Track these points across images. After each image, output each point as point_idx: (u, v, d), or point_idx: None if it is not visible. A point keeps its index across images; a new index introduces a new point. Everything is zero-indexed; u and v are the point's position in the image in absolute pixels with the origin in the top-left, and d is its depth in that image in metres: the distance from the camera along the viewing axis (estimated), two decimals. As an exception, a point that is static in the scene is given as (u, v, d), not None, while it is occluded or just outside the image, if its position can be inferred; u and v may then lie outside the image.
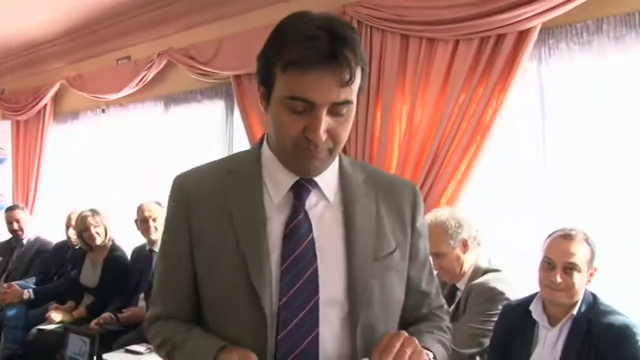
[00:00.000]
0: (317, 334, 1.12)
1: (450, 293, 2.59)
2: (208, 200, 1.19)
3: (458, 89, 2.89)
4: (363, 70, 1.09)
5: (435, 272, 1.38)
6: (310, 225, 1.16)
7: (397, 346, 1.06)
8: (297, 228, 1.15)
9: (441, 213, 2.62)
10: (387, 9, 3.10)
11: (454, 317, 2.46)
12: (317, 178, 1.18)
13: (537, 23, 2.66)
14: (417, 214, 1.27)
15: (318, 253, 1.14)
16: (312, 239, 1.15)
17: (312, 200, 1.18)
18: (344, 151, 3.34)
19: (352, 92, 1.07)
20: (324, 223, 1.17)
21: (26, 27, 4.98)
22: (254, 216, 1.16)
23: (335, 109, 1.06)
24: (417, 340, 1.09)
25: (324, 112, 1.05)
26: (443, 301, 1.38)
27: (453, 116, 2.91)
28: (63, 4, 4.35)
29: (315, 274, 1.13)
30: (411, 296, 1.27)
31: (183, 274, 1.20)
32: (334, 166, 1.21)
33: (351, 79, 1.04)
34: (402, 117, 3.14)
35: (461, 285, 2.54)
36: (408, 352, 1.05)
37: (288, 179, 1.17)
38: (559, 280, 2.06)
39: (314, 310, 1.12)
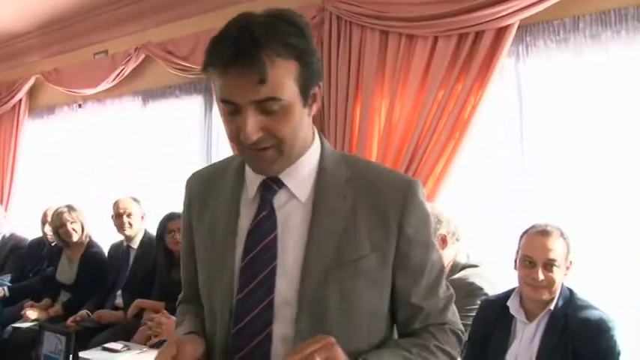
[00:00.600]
0: (269, 333, 1.12)
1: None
2: (205, 198, 1.26)
3: (437, 85, 2.90)
4: (303, 62, 1.06)
5: (444, 287, 1.24)
6: (274, 223, 1.15)
7: (309, 350, 1.00)
8: (259, 225, 1.15)
9: (419, 209, 2.62)
10: (367, 5, 3.11)
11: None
12: (285, 178, 1.15)
13: (515, 20, 2.69)
14: (405, 217, 1.14)
15: (280, 252, 1.13)
16: (275, 237, 1.14)
17: (281, 199, 1.16)
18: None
19: (279, 88, 1.03)
20: (290, 223, 1.15)
21: (1, 19, 4.89)
22: (229, 211, 1.19)
23: (264, 107, 1.04)
24: (337, 350, 1.02)
25: (250, 112, 1.04)
26: (450, 318, 1.24)
27: (431, 112, 2.92)
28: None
29: (272, 273, 1.13)
30: (401, 308, 1.20)
31: (190, 268, 1.30)
32: (311, 163, 1.17)
33: (265, 76, 1.01)
34: (382, 113, 3.15)
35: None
36: (319, 358, 0.99)
37: (257, 178, 1.18)
38: (541, 277, 2.08)
39: (268, 309, 1.12)
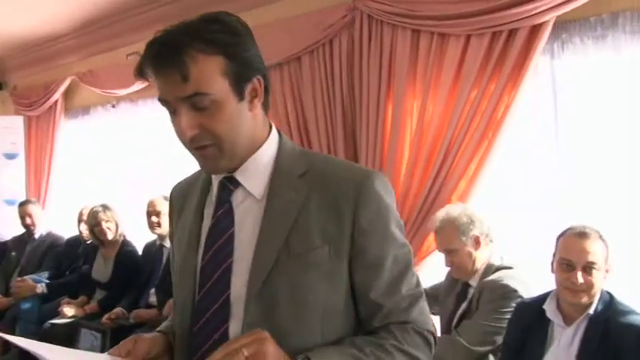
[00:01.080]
0: (226, 331, 1.13)
1: (462, 290, 2.58)
2: (182, 206, 1.30)
3: (469, 85, 2.86)
4: (231, 57, 1.08)
5: (410, 284, 1.17)
6: (232, 221, 1.17)
7: (237, 345, 0.99)
8: (217, 223, 1.18)
9: (452, 209, 2.61)
10: (398, 3, 3.08)
11: (466, 314, 2.46)
12: (239, 176, 1.17)
13: (550, 17, 2.63)
14: (359, 209, 1.12)
15: (236, 249, 1.15)
16: (232, 234, 1.16)
17: (238, 197, 1.18)
18: (354, 147, 3.32)
19: (204, 83, 1.06)
20: (246, 220, 1.16)
21: (37, 23, 4.99)
22: (195, 214, 1.24)
23: (194, 103, 1.07)
24: (267, 345, 1.00)
25: (182, 109, 1.08)
26: (416, 317, 1.17)
27: (464, 112, 2.88)
28: (64, 3, 4.35)
29: (228, 270, 1.14)
30: (361, 305, 1.17)
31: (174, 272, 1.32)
32: (266, 160, 1.18)
33: (187, 73, 1.04)
34: (414, 113, 3.12)
35: (473, 282, 2.52)
36: (247, 352, 0.97)
37: (216, 179, 1.21)
38: (580, 280, 2.03)
39: (225, 306, 1.13)
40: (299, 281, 1.11)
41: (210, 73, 1.07)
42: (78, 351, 1.18)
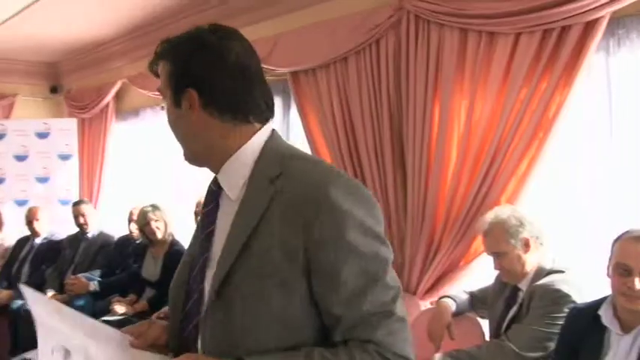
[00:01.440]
0: (197, 325, 1.17)
1: (512, 294, 2.52)
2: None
3: (519, 84, 2.80)
4: (174, 62, 1.19)
5: (378, 301, 1.10)
6: (214, 219, 1.22)
7: None
8: (203, 219, 1.25)
9: (501, 211, 2.55)
10: (446, 2, 3.03)
11: (516, 319, 2.40)
12: (220, 177, 1.22)
13: (606, 13, 2.54)
14: (312, 220, 1.08)
15: (213, 246, 1.20)
16: (212, 232, 1.21)
17: (223, 199, 1.23)
18: (401, 148, 3.30)
19: (162, 86, 1.22)
20: (223, 219, 1.20)
21: (90, 28, 5.15)
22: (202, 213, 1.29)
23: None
24: None
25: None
26: (382, 339, 1.08)
27: (514, 112, 2.82)
28: (125, 4, 4.46)
29: (204, 264, 1.19)
30: (323, 317, 1.12)
31: None
32: (245, 164, 1.19)
33: (155, 71, 1.22)
34: (461, 113, 3.08)
35: (523, 286, 2.46)
36: None
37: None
38: (638, 286, 1.95)
39: (199, 299, 1.18)
40: (254, 286, 1.10)
41: (163, 77, 1.20)
42: (91, 320, 1.23)
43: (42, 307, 1.32)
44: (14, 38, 5.37)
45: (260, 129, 1.21)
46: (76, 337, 1.21)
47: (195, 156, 1.24)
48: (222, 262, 1.14)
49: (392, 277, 1.13)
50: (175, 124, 1.22)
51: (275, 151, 1.20)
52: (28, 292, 1.28)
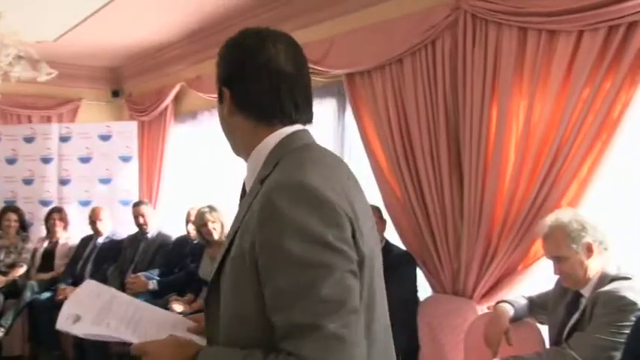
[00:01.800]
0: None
1: (573, 300, 2.44)
2: None
3: (581, 83, 2.71)
4: (218, 63, 1.28)
5: (308, 314, 1.02)
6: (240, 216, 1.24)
7: None
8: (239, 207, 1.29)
9: (562, 215, 2.47)
10: (504, 1, 2.96)
11: (578, 326, 2.32)
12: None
13: (676, 9, 2.44)
14: (258, 225, 1.07)
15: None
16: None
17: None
18: (457, 150, 3.24)
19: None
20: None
21: (150, 33, 5.30)
22: None
23: None
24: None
25: None
26: (308, 353, 1.00)
27: (575, 112, 2.73)
28: (183, 9, 4.57)
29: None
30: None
31: None
32: (258, 160, 1.23)
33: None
34: (520, 114, 3.00)
35: (585, 292, 2.38)
36: None
37: None
38: None
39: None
40: (228, 282, 1.16)
41: (217, 74, 1.28)
42: (155, 308, 1.39)
43: (93, 291, 1.47)
44: (79, 45, 5.59)
45: (277, 130, 1.22)
46: (126, 311, 1.41)
47: (233, 150, 1.32)
48: (219, 256, 1.21)
49: (333, 288, 1.03)
50: (219, 120, 1.31)
51: (278, 153, 1.20)
52: (91, 282, 1.43)
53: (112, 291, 1.56)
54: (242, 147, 1.27)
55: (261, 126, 1.22)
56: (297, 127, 1.24)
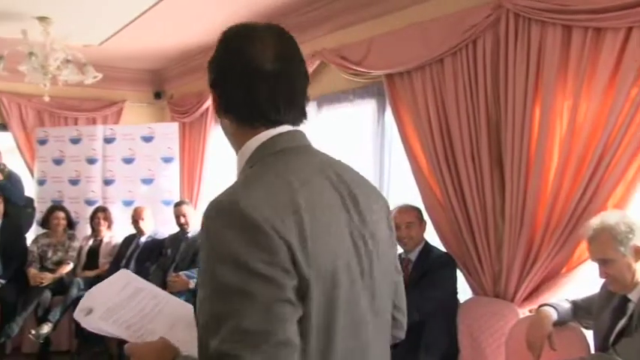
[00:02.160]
0: None
1: (620, 305, 2.38)
2: None
3: (629, 82, 2.64)
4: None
5: (217, 341, 0.97)
6: None
7: None
8: None
9: (608, 217, 2.41)
10: (548, -1, 2.92)
11: (626, 332, 2.26)
12: None
13: None
14: (201, 238, 1.07)
15: None
16: None
17: None
18: (499, 151, 3.18)
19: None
20: None
21: (190, 36, 5.38)
22: None
23: None
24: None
25: None
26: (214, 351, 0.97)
27: (623, 112, 2.67)
28: (221, 14, 4.62)
29: None
30: None
31: None
32: (240, 164, 1.23)
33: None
34: (564, 114, 2.95)
35: (633, 296, 2.32)
36: None
37: None
38: None
39: None
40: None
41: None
42: (180, 302, 1.41)
43: (120, 283, 1.50)
44: (123, 49, 5.72)
45: (260, 132, 1.18)
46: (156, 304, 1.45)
47: (234, 148, 1.28)
48: None
49: (256, 318, 0.96)
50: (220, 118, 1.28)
51: (254, 158, 1.17)
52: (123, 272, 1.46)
53: (140, 284, 1.56)
54: (234, 148, 1.25)
55: (245, 128, 1.19)
56: (283, 128, 1.18)
